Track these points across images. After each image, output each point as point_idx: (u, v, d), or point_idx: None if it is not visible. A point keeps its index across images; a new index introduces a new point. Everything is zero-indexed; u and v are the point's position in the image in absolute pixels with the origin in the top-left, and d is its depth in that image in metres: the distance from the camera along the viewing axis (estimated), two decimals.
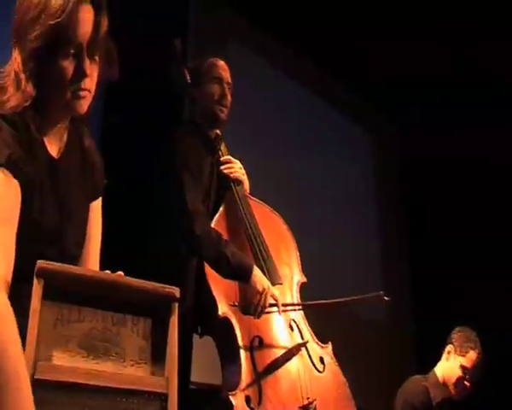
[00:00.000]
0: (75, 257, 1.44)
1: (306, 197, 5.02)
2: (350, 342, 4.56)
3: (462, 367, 3.17)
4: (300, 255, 2.68)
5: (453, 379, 3.20)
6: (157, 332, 1.24)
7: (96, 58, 1.33)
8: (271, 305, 2.32)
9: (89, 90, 1.33)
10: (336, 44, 4.83)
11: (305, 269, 2.67)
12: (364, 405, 3.51)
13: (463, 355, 3.18)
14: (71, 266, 1.18)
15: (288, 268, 2.59)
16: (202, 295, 2.36)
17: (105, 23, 1.32)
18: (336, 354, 2.53)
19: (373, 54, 4.94)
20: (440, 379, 3.23)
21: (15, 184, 1.25)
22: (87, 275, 1.20)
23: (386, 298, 2.33)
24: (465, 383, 3.18)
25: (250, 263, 2.35)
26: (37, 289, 1.14)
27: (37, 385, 1.10)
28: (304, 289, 2.63)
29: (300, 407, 2.24)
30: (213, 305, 2.31)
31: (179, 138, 2.47)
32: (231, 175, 2.56)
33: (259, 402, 2.18)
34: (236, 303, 2.32)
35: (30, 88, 1.27)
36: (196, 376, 2.64)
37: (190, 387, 2.48)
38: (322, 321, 3.50)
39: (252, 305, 2.28)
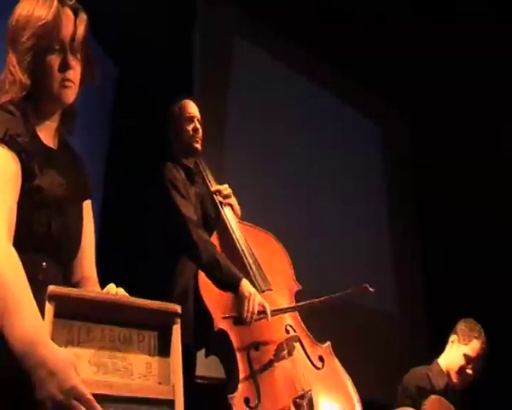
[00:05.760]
0: (76, 238, 1.53)
1: (315, 195, 5.05)
2: (360, 335, 4.65)
3: (465, 356, 3.21)
4: (309, 256, 2.74)
5: (456, 368, 3.23)
6: (162, 346, 1.35)
7: (78, 56, 1.51)
8: (260, 312, 2.45)
9: (73, 82, 1.50)
10: (345, 37, 4.82)
11: (315, 270, 2.69)
12: (377, 396, 3.61)
13: (467, 344, 3.22)
14: (79, 290, 1.28)
15: (282, 277, 2.76)
16: (200, 314, 2.52)
17: (83, 26, 1.51)
18: (346, 347, 2.63)
19: (383, 46, 4.91)
20: (444, 368, 3.26)
21: (14, 156, 1.38)
22: (94, 297, 1.30)
23: (371, 289, 2.43)
24: (467, 371, 3.22)
25: (239, 274, 2.53)
26: (48, 311, 1.24)
27: None
28: (314, 291, 2.71)
29: (296, 397, 2.34)
30: (210, 319, 2.48)
31: (166, 170, 2.73)
32: (219, 200, 2.83)
33: (259, 400, 2.32)
34: (227, 315, 2.47)
35: (25, 78, 1.44)
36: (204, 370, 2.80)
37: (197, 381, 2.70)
38: (330, 316, 3.57)
39: (242, 313, 2.43)
